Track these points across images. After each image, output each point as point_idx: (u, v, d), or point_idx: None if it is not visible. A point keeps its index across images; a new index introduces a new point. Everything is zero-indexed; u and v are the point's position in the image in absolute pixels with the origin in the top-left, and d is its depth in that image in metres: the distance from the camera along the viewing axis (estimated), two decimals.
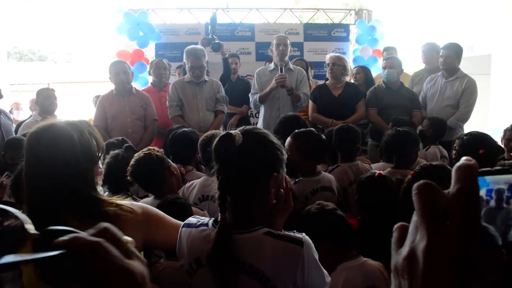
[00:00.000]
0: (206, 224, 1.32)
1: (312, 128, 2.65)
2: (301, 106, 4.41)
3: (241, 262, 1.23)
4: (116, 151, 2.58)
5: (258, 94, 4.30)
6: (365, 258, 1.84)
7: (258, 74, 4.47)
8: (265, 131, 1.35)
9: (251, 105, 4.61)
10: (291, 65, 4.45)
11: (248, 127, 1.34)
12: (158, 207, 1.92)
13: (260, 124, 4.37)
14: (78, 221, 1.32)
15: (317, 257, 1.28)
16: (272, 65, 4.43)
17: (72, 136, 1.42)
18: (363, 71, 5.25)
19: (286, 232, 1.28)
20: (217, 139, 1.27)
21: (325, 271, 1.32)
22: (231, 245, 1.23)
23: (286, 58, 4.38)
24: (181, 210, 1.95)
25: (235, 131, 1.27)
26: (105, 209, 1.39)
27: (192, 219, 1.38)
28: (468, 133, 3.07)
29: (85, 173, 1.41)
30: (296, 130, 2.56)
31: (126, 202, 1.45)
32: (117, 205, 1.40)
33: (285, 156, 1.35)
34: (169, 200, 2.04)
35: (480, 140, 2.86)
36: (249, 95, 4.50)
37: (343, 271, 1.77)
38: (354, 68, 5.51)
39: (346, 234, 1.85)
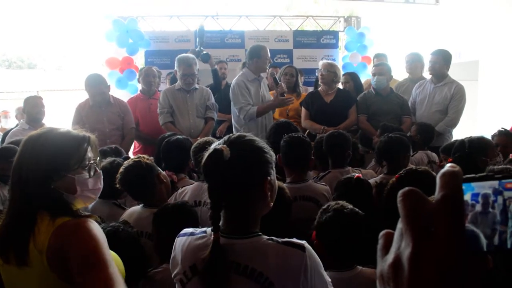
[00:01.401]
0: (205, 231, 1.31)
1: (297, 134, 2.62)
2: (273, 111, 4.54)
3: (244, 265, 1.22)
4: (113, 158, 2.56)
5: (256, 108, 4.10)
6: (361, 268, 1.74)
7: (243, 85, 4.14)
8: (251, 137, 1.32)
9: (244, 118, 4.12)
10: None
11: (232, 136, 1.30)
12: (163, 210, 1.90)
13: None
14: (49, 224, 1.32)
15: (320, 263, 1.27)
16: (251, 75, 4.20)
17: (61, 144, 1.41)
18: (352, 79, 5.23)
19: (288, 239, 1.28)
20: (205, 157, 1.21)
21: (328, 279, 1.30)
22: (225, 263, 1.21)
23: None
24: (189, 215, 1.94)
25: (222, 145, 1.22)
26: (76, 217, 1.37)
27: (187, 230, 1.36)
28: (456, 140, 3.11)
29: (64, 183, 1.42)
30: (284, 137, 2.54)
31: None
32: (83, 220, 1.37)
33: (274, 158, 1.34)
34: (179, 204, 1.99)
35: (463, 147, 2.88)
36: (239, 107, 4.12)
37: None
38: (342, 75, 5.50)
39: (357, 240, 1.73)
